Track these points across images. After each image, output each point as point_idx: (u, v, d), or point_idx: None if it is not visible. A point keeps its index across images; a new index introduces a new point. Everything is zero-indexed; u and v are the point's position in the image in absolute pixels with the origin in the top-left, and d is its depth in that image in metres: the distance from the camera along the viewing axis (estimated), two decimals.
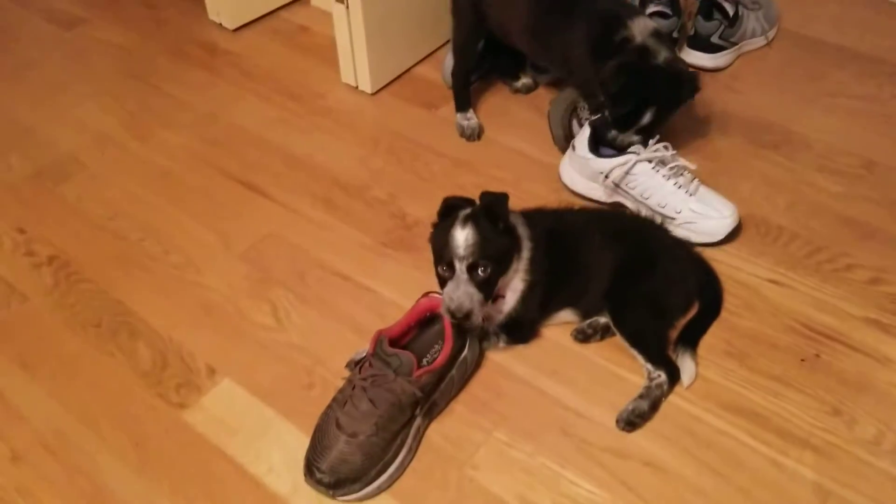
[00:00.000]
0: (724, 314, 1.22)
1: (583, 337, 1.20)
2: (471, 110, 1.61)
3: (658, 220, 1.30)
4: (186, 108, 1.75)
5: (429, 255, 1.13)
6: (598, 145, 1.40)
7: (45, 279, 1.38)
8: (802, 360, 1.16)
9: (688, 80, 1.35)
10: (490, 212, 1.09)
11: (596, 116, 1.40)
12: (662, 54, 1.32)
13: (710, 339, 1.19)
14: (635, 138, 1.37)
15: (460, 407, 1.14)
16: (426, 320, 1.17)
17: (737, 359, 1.17)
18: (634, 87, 1.31)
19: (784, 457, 1.05)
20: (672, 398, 1.13)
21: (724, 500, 1.01)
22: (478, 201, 1.12)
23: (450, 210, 1.12)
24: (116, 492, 1.07)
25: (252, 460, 1.09)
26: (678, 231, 1.32)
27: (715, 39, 1.65)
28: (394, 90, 1.73)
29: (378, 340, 1.08)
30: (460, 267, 1.06)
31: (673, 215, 1.33)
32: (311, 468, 1.04)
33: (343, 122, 1.68)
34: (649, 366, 1.13)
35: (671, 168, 1.34)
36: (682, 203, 1.32)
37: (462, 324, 1.07)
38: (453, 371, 1.11)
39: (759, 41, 1.73)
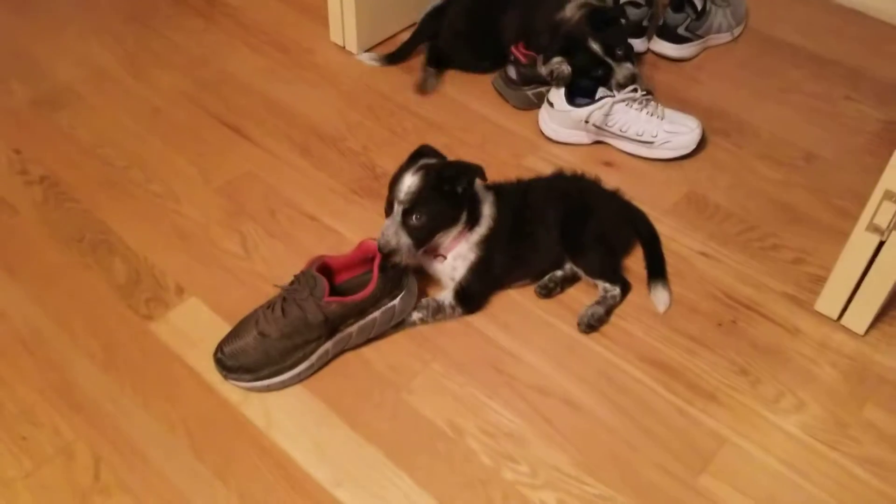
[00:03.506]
0: None
1: (546, 292, 1.30)
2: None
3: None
4: (181, 51, 1.84)
5: None
6: (573, 97, 1.55)
7: (35, 196, 1.48)
8: (719, 325, 1.27)
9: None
10: (446, 172, 1.18)
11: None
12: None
13: (639, 300, 1.31)
14: (626, 67, 1.56)
15: (404, 339, 1.25)
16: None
17: (659, 318, 1.28)
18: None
19: (690, 406, 1.17)
20: (597, 347, 1.24)
21: (631, 438, 1.13)
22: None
23: (417, 156, 1.22)
24: (84, 387, 1.17)
25: (208, 370, 1.19)
26: (658, 152, 1.53)
27: (681, 31, 1.75)
28: (379, 52, 1.82)
29: (312, 261, 1.18)
30: (397, 209, 1.16)
31: (650, 139, 1.53)
32: (219, 348, 1.17)
33: (327, 77, 1.77)
34: (607, 284, 1.28)
35: (640, 101, 1.53)
36: (657, 127, 1.52)
37: (386, 261, 1.17)
38: (377, 313, 1.20)
39: (725, 37, 1.83)
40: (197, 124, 1.64)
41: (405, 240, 1.16)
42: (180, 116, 1.66)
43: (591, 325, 1.24)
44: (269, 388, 1.17)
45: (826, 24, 1.92)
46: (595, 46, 1.53)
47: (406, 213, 1.16)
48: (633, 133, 1.53)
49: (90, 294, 1.31)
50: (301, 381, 1.18)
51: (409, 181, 1.16)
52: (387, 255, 1.15)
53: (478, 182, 1.24)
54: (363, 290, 1.20)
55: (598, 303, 1.26)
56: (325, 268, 1.20)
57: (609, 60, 1.54)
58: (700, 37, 1.78)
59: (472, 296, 1.27)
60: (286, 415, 1.15)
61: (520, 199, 1.31)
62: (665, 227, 1.41)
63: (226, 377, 1.17)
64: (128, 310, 1.28)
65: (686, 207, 1.47)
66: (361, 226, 1.41)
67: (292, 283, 1.19)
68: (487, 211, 1.25)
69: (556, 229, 1.29)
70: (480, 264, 1.25)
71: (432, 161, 1.21)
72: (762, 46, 1.85)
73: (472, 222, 1.24)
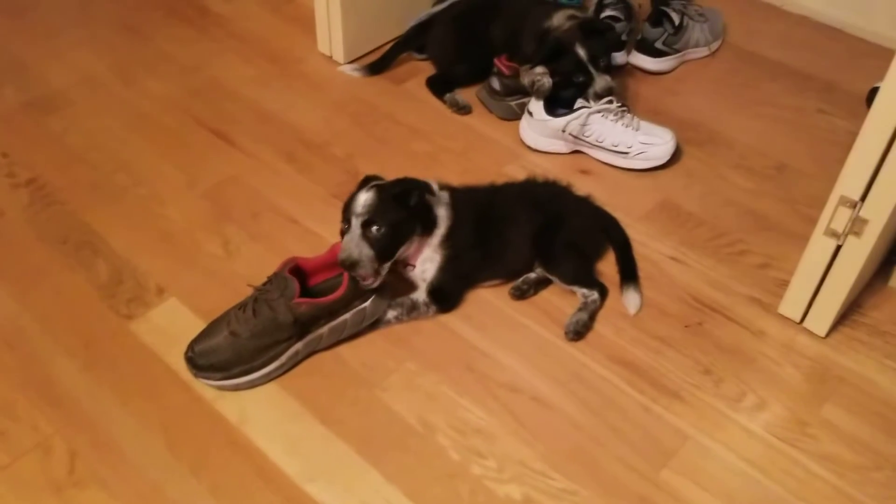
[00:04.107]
0: None
1: (519, 293, 1.33)
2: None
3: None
4: (172, 60, 1.88)
5: None
6: (553, 107, 1.60)
7: (21, 198, 1.51)
8: (686, 326, 1.30)
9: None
10: (397, 188, 1.23)
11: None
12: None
13: (610, 302, 1.34)
14: (605, 78, 1.60)
15: (380, 339, 1.28)
16: None
17: (629, 320, 1.31)
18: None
19: (654, 403, 1.19)
20: (567, 348, 1.27)
21: (597, 434, 1.16)
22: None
23: (366, 182, 1.27)
24: (63, 383, 1.20)
25: (185, 368, 1.22)
26: (633, 162, 1.58)
27: (659, 45, 1.79)
28: (365, 62, 1.86)
29: (284, 263, 1.21)
30: (355, 222, 1.20)
31: (626, 150, 1.57)
32: (190, 347, 1.20)
33: (314, 86, 1.81)
34: (584, 290, 1.31)
35: (616, 113, 1.57)
36: (632, 138, 1.56)
37: (351, 273, 1.19)
38: (347, 315, 1.23)
39: (703, 51, 1.87)
40: (184, 130, 1.68)
41: (367, 251, 1.19)
42: (168, 122, 1.70)
43: (578, 332, 1.27)
44: (237, 388, 1.19)
45: (802, 38, 1.96)
46: (581, 52, 1.57)
47: (365, 225, 1.19)
48: (608, 143, 1.57)
49: (73, 294, 1.34)
50: (271, 380, 1.21)
51: (364, 197, 1.20)
52: (350, 267, 1.19)
53: (434, 186, 1.28)
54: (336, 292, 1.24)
55: (580, 309, 1.29)
56: (298, 269, 1.23)
57: (591, 69, 1.58)
58: (677, 51, 1.82)
59: (443, 292, 1.31)
60: (260, 411, 1.17)
61: (486, 199, 1.35)
62: (637, 234, 1.45)
63: (196, 375, 1.19)
64: (109, 310, 1.31)
65: (659, 214, 1.50)
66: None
67: (265, 283, 1.22)
68: (443, 212, 1.29)
69: (527, 231, 1.33)
70: (447, 262, 1.29)
71: (382, 181, 1.26)
72: (739, 61, 1.89)
73: (430, 226, 1.28)
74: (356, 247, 1.18)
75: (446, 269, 1.29)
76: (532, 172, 1.57)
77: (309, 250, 1.40)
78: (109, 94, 1.78)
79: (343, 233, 1.22)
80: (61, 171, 1.57)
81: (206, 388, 1.20)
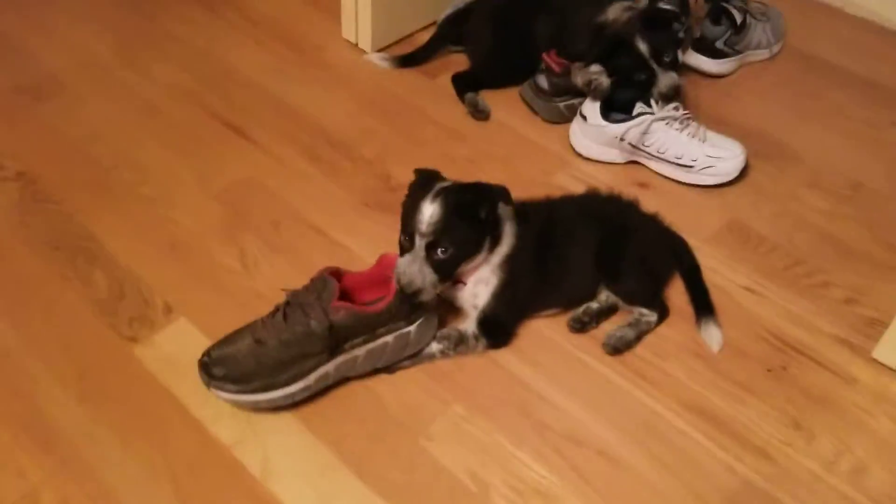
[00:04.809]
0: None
1: (579, 326, 1.17)
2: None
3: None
4: (180, 43, 1.70)
5: None
6: (608, 112, 1.43)
7: (10, 194, 1.33)
8: (769, 370, 1.15)
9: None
10: (468, 197, 1.05)
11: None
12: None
13: (679, 337, 1.18)
14: (671, 76, 1.43)
15: (421, 375, 1.11)
16: None
17: (703, 360, 1.15)
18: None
19: (739, 462, 1.04)
20: (635, 391, 1.11)
21: (674, 499, 1.00)
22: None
23: (427, 181, 1.08)
24: (55, 420, 1.03)
25: (199, 403, 1.05)
26: (698, 177, 1.41)
27: (720, 45, 1.63)
28: (394, 52, 1.69)
29: (327, 269, 1.05)
30: (420, 243, 1.02)
31: (690, 163, 1.40)
32: (207, 352, 1.04)
33: (339, 77, 1.64)
34: (643, 309, 1.17)
35: (680, 121, 1.41)
36: (698, 150, 1.40)
37: (410, 300, 1.03)
38: (389, 337, 1.07)
39: (763, 54, 1.71)
40: (195, 123, 1.50)
41: (430, 277, 1.02)
42: (177, 114, 1.52)
43: (617, 349, 1.13)
44: (255, 405, 1.03)
45: (868, 45, 1.81)
46: (642, 47, 1.40)
47: (430, 247, 1.02)
48: (671, 155, 1.41)
49: (66, 310, 1.16)
50: (293, 403, 1.04)
51: (430, 210, 1.02)
52: (411, 295, 1.02)
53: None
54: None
55: (630, 325, 1.15)
56: (339, 282, 1.07)
57: (654, 65, 1.41)
58: (739, 52, 1.66)
59: (497, 325, 1.14)
60: (287, 461, 1.01)
61: (547, 216, 1.18)
62: (706, 258, 1.29)
63: (208, 385, 1.02)
64: (109, 330, 1.14)
65: (728, 237, 1.34)
66: (374, 242, 1.28)
67: (306, 287, 1.06)
68: (509, 229, 1.12)
69: (590, 252, 1.17)
70: (504, 288, 1.12)
71: (448, 184, 1.08)
72: (802, 65, 1.73)
73: (493, 243, 1.11)
74: (419, 272, 1.01)
75: (502, 295, 1.12)
76: (583, 182, 1.41)
77: (337, 264, 1.23)
78: (111, 79, 1.59)
79: (403, 248, 1.05)
80: (55, 165, 1.39)
81: (222, 432, 1.03)
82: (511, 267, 1.12)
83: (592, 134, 1.44)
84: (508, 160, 1.47)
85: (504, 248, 1.11)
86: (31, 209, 1.31)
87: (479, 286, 1.12)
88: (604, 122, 1.41)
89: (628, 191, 1.36)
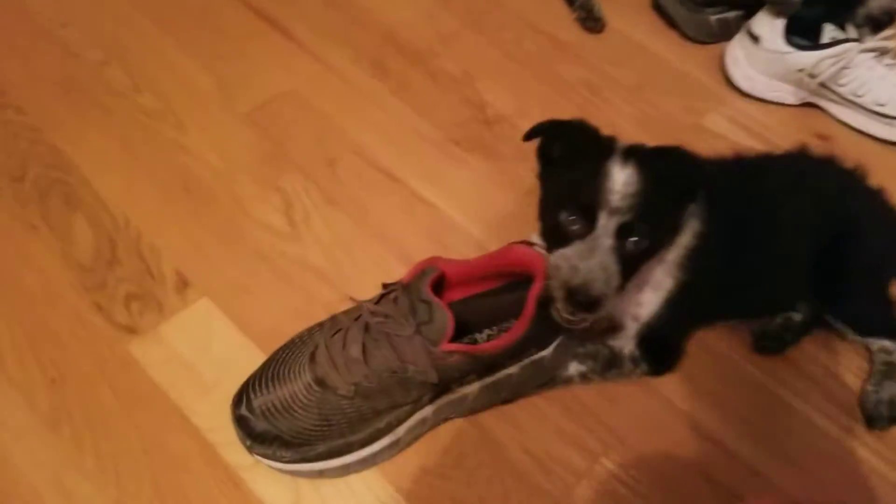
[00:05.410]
0: None
1: (774, 345, 0.82)
2: None
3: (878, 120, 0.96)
4: None
5: (518, 171, 0.72)
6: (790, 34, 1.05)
7: None
8: None
9: None
10: (678, 167, 0.67)
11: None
12: None
13: None
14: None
15: (553, 409, 0.76)
16: (509, 282, 0.77)
17: None
18: None
19: None
20: (866, 453, 0.77)
21: None
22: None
23: (592, 137, 0.69)
24: (13, 452, 0.68)
25: (216, 425, 0.70)
26: None
27: None
28: None
29: (420, 272, 0.69)
30: (607, 223, 0.65)
31: (894, 114, 1.04)
32: (244, 394, 0.69)
33: None
34: (887, 342, 0.81)
35: (894, 56, 1.03)
36: None
37: (577, 316, 0.66)
38: (515, 368, 0.73)
39: None
40: (216, 8, 1.09)
41: (616, 279, 0.65)
42: None
43: (894, 418, 0.78)
44: (321, 475, 0.69)
45: None
46: None
47: (624, 232, 0.65)
48: (870, 101, 1.03)
49: (31, 278, 0.79)
50: (375, 465, 0.70)
51: (623, 176, 0.64)
52: (586, 305, 0.65)
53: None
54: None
55: (884, 376, 0.79)
56: (439, 277, 0.71)
57: None
58: None
59: (665, 344, 0.79)
60: None
61: (740, 190, 0.81)
62: None
63: (250, 449, 0.68)
64: (94, 312, 0.77)
65: None
66: (469, 198, 0.91)
67: (383, 297, 0.70)
68: (693, 212, 0.75)
69: (802, 247, 0.80)
70: (682, 295, 0.76)
71: (638, 146, 0.69)
72: None
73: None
74: (601, 268, 0.64)
75: (678, 304, 0.76)
76: (746, 129, 1.04)
77: (423, 230, 0.87)
78: None
79: (566, 232, 0.67)
80: (20, 58, 0.99)
81: (257, 469, 0.68)
82: (693, 265, 0.75)
83: (763, 62, 1.06)
84: (639, 91, 1.09)
85: (686, 238, 0.74)
86: None
87: (645, 291, 0.75)
88: (787, 48, 1.03)
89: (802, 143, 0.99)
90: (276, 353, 0.71)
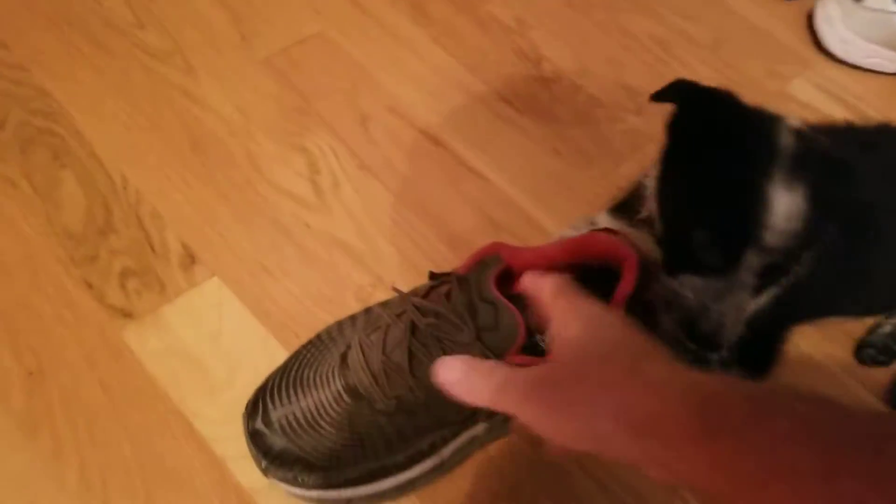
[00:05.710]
0: None
1: (885, 357, 0.70)
2: None
3: None
4: None
5: (579, 139, 0.61)
6: None
7: None
8: None
9: None
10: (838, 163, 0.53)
11: None
12: None
13: None
14: None
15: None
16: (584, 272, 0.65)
17: None
18: None
19: None
20: None
21: None
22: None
23: (737, 123, 0.55)
24: None
25: (226, 434, 0.58)
26: None
27: None
28: None
29: (482, 262, 0.56)
30: (753, 259, 0.52)
31: None
32: (260, 404, 0.56)
33: None
34: None
35: None
36: None
37: (695, 348, 0.54)
38: None
39: None
40: None
41: (741, 322, 0.53)
42: None
43: None
44: (350, 502, 0.57)
45: None
46: None
47: (770, 271, 0.52)
48: None
49: (10, 248, 0.67)
50: (414, 491, 0.59)
51: (789, 203, 0.50)
52: (707, 346, 0.52)
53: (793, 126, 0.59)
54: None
55: None
56: (504, 270, 0.58)
57: None
58: None
59: (764, 345, 0.67)
60: None
61: (859, 169, 0.67)
62: None
63: (266, 472, 0.55)
64: (83, 289, 0.65)
65: None
66: (519, 165, 0.78)
67: (432, 290, 0.57)
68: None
69: None
70: (790, 292, 0.63)
71: (814, 145, 0.54)
72: None
73: None
74: (736, 310, 0.51)
75: (785, 302, 0.63)
76: (838, 99, 0.91)
77: (472, 206, 0.75)
78: None
79: (697, 254, 0.53)
80: None
81: (274, 490, 0.57)
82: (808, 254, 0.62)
83: (864, 23, 0.91)
84: (716, 49, 0.94)
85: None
86: None
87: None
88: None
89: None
90: (300, 351, 0.59)
